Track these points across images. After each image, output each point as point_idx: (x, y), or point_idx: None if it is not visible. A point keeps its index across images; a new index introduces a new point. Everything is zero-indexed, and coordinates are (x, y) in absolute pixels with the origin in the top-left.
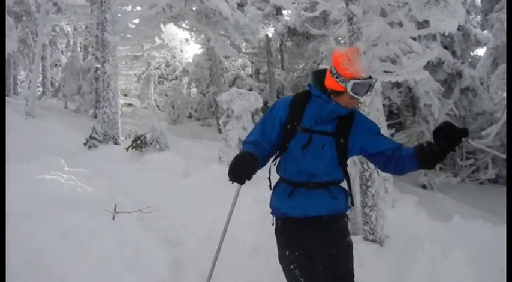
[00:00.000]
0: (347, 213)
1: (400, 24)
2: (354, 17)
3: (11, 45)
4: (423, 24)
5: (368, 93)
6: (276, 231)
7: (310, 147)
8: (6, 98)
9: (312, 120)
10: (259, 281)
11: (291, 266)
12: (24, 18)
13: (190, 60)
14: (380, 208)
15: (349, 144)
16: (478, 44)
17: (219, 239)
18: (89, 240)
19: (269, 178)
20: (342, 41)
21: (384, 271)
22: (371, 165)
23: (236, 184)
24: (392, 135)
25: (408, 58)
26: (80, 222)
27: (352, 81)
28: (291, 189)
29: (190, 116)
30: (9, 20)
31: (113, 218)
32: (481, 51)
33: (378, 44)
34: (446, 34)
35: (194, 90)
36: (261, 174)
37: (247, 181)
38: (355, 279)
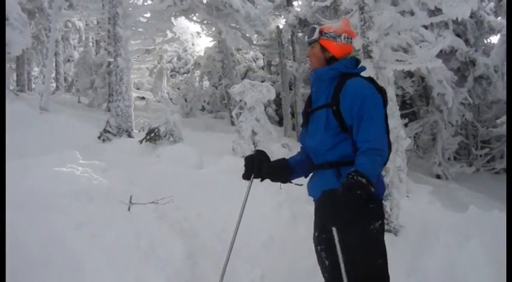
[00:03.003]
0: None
1: (412, 13)
2: (366, 5)
3: (26, 41)
4: (435, 12)
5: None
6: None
7: (310, 124)
8: (21, 93)
9: (313, 101)
10: (274, 270)
11: (318, 248)
12: (37, 14)
13: (202, 53)
14: (395, 198)
15: (342, 112)
16: (492, 31)
17: (233, 232)
18: (105, 231)
19: None
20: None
21: (399, 261)
22: None
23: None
24: (406, 125)
25: (420, 47)
26: (96, 213)
27: None
28: (312, 172)
29: (203, 109)
30: (23, 16)
31: (129, 210)
32: (494, 39)
33: (389, 33)
34: (459, 20)
35: (206, 83)
36: None
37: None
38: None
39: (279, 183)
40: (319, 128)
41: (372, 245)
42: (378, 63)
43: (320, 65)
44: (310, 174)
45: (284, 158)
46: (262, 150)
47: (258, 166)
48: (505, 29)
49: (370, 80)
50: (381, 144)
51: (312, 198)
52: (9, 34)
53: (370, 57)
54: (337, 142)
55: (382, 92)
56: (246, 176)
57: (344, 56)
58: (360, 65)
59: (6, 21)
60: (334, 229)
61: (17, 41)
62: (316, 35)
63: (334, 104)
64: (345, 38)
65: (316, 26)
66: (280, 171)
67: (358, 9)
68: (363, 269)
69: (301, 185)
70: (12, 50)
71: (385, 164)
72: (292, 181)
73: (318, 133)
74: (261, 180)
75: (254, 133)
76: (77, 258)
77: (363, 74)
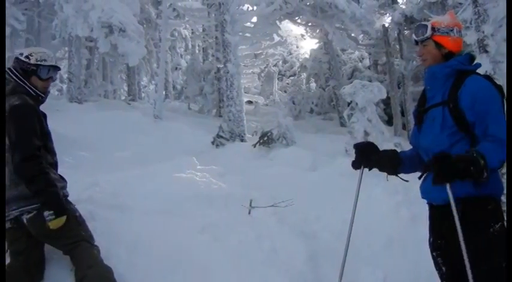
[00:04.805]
0: (490, 198)
1: None
2: None
3: (142, 51)
4: None
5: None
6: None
7: (424, 123)
8: (133, 103)
9: (428, 99)
10: (396, 272)
11: (434, 254)
12: (144, 25)
13: (307, 56)
14: None
15: (463, 109)
16: None
17: (349, 231)
18: (227, 235)
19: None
20: (463, 26)
21: None
22: None
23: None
24: None
25: None
26: (218, 217)
27: None
28: (424, 172)
29: (311, 111)
30: (139, 28)
31: (249, 213)
32: None
33: (502, 25)
34: None
35: (313, 85)
36: None
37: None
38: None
39: (386, 175)
40: (434, 126)
41: (496, 248)
42: (494, 57)
43: (437, 62)
44: (424, 176)
45: (395, 150)
46: (371, 141)
47: (367, 155)
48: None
49: (487, 78)
50: (506, 139)
51: (426, 201)
52: (127, 45)
53: (486, 51)
54: (453, 142)
55: (500, 90)
56: (356, 165)
57: (458, 50)
58: (476, 62)
59: (123, 34)
60: (461, 238)
61: (134, 51)
62: (429, 31)
63: (451, 102)
64: (457, 31)
65: (425, 22)
66: (388, 162)
67: (472, 3)
68: (488, 274)
69: (407, 181)
70: (130, 60)
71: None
72: (398, 175)
73: (433, 132)
74: (369, 169)
75: (366, 134)
76: (203, 261)
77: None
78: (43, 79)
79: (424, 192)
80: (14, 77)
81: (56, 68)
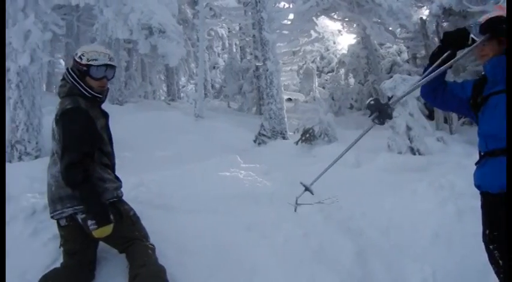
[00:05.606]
0: None
1: None
2: None
3: (181, 51)
4: None
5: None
6: (481, 206)
7: (485, 109)
8: (173, 102)
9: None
10: (444, 267)
11: (490, 247)
12: (181, 25)
13: (345, 51)
14: None
15: None
16: None
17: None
18: (274, 232)
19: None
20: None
21: None
22: None
23: None
24: None
25: None
26: (264, 215)
27: None
28: (480, 159)
29: (351, 107)
30: (178, 28)
31: (295, 210)
32: None
33: None
34: None
35: (352, 80)
36: (435, 159)
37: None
38: None
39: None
40: (496, 112)
41: None
42: None
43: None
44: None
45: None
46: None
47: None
48: None
49: None
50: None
51: (479, 191)
52: (167, 46)
53: None
54: None
55: None
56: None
57: None
58: None
59: (163, 35)
60: None
61: (174, 52)
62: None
63: None
64: None
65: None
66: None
67: None
68: None
69: None
70: (170, 60)
71: None
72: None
73: (497, 118)
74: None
75: (409, 128)
76: (250, 259)
77: None
78: (96, 79)
79: (480, 179)
80: (71, 78)
81: (111, 67)
